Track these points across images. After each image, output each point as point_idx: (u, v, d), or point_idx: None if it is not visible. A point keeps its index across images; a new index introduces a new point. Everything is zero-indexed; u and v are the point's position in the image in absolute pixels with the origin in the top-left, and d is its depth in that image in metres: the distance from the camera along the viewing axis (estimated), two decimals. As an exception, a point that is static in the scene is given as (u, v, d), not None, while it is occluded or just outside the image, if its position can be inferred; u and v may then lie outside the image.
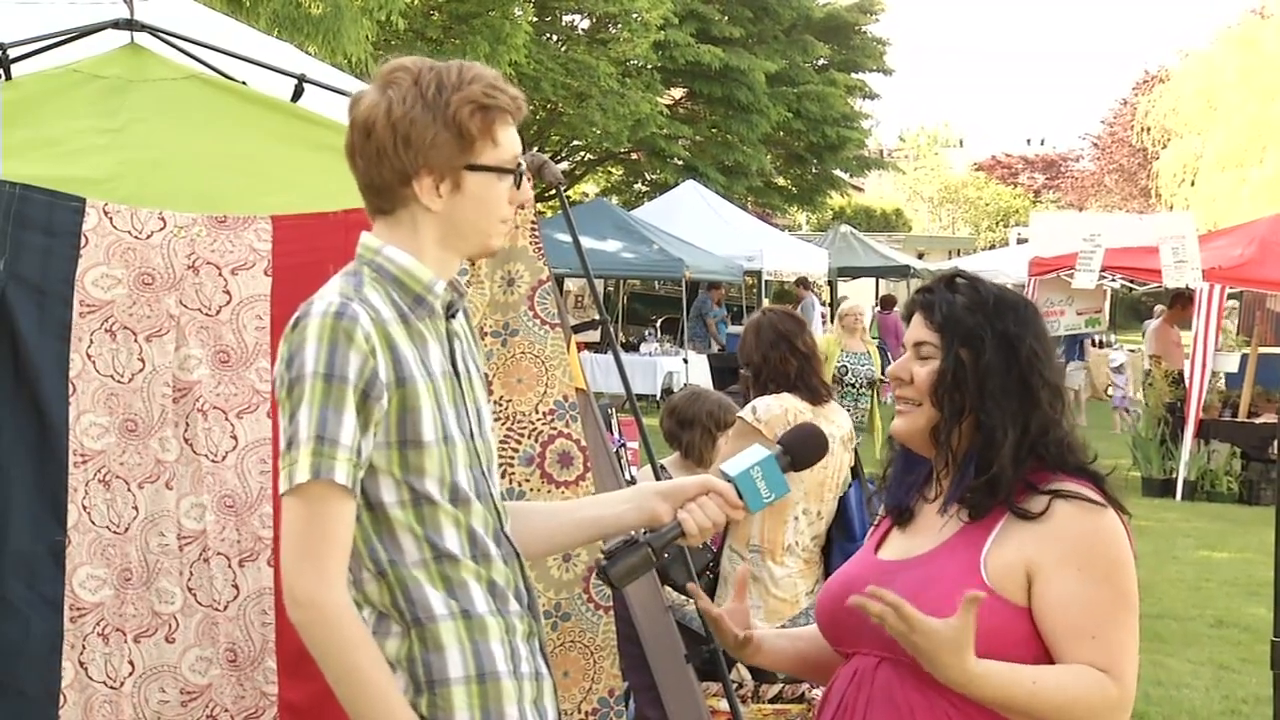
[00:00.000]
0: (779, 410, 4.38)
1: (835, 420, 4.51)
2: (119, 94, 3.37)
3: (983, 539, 2.20)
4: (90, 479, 3.08)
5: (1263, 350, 15.28)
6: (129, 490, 3.11)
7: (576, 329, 3.91)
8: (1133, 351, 23.33)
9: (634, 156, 29.32)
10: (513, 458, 3.37)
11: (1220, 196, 25.15)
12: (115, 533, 3.09)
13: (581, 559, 3.37)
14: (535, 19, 21.32)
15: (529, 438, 3.39)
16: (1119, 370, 19.86)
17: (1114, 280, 13.60)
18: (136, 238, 3.14)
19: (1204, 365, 12.54)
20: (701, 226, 20.62)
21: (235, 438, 3.16)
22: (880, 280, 27.73)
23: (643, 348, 19.34)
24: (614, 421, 7.70)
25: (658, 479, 3.75)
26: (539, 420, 3.39)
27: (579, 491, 3.35)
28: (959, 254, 35.69)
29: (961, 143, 63.16)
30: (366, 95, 2.13)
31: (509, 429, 3.37)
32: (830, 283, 24.80)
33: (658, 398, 16.77)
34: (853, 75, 31.77)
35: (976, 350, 2.24)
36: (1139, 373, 18.92)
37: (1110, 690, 2.12)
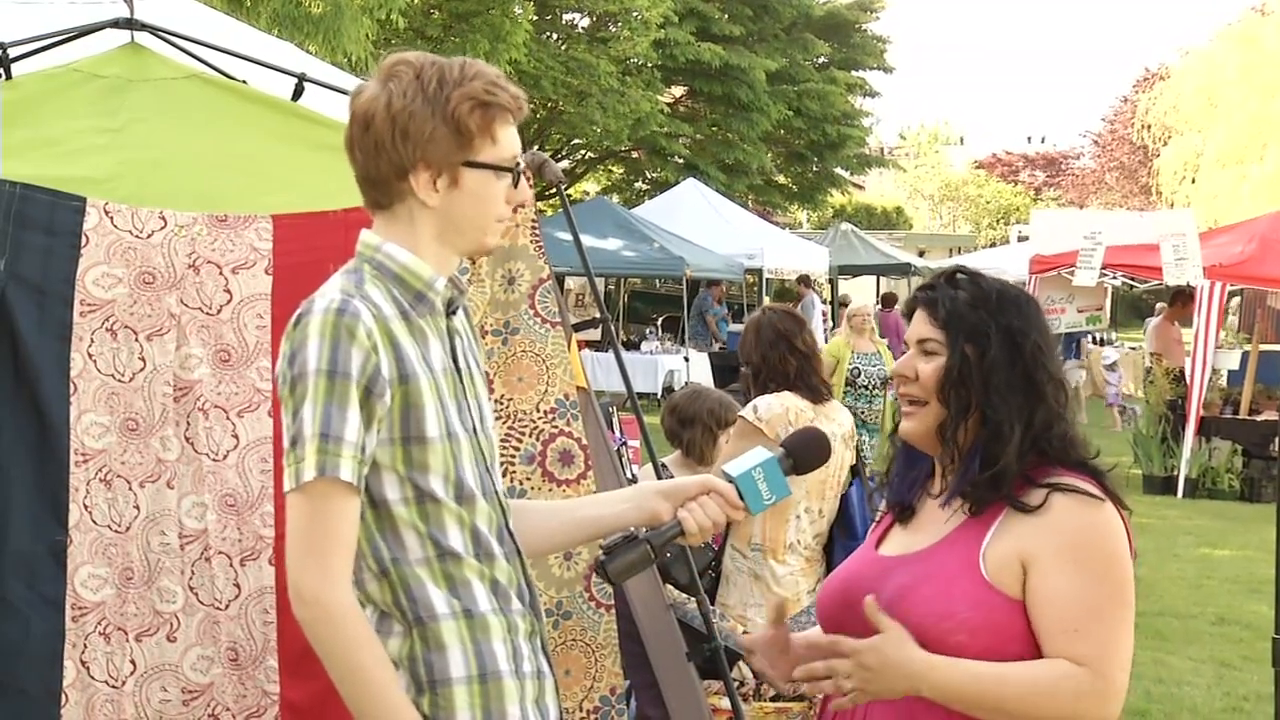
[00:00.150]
0: (780, 409, 4.37)
1: (836, 419, 4.51)
2: (119, 93, 3.37)
3: (982, 533, 2.20)
4: (91, 478, 3.08)
5: (1263, 348, 15.28)
6: (130, 489, 3.11)
7: (577, 327, 3.91)
8: (1134, 349, 23.35)
9: (634, 155, 29.31)
10: (514, 456, 3.37)
11: (1221, 194, 25.14)
12: (116, 532, 3.09)
13: (583, 557, 3.37)
14: (535, 17, 21.30)
15: (530, 436, 3.39)
16: (1112, 368, 19.88)
17: (1115, 278, 13.59)
18: (137, 237, 3.14)
19: (1205, 362, 12.55)
20: (702, 225, 20.62)
21: (236, 437, 3.16)
22: (881, 278, 27.72)
23: (644, 346, 19.33)
24: (615, 420, 7.70)
25: (659, 477, 3.75)
26: (540, 419, 3.39)
27: (580, 490, 3.35)
28: (960, 252, 35.67)
29: (962, 140, 63.15)
30: (367, 88, 2.13)
31: (510, 427, 3.37)
32: (831, 281, 24.77)
33: (659, 396, 16.77)
34: (853, 73, 31.76)
35: (981, 346, 2.24)
36: (1139, 370, 18.93)
37: (1084, 684, 2.10)
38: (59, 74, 3.37)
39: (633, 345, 19.52)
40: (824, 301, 23.07)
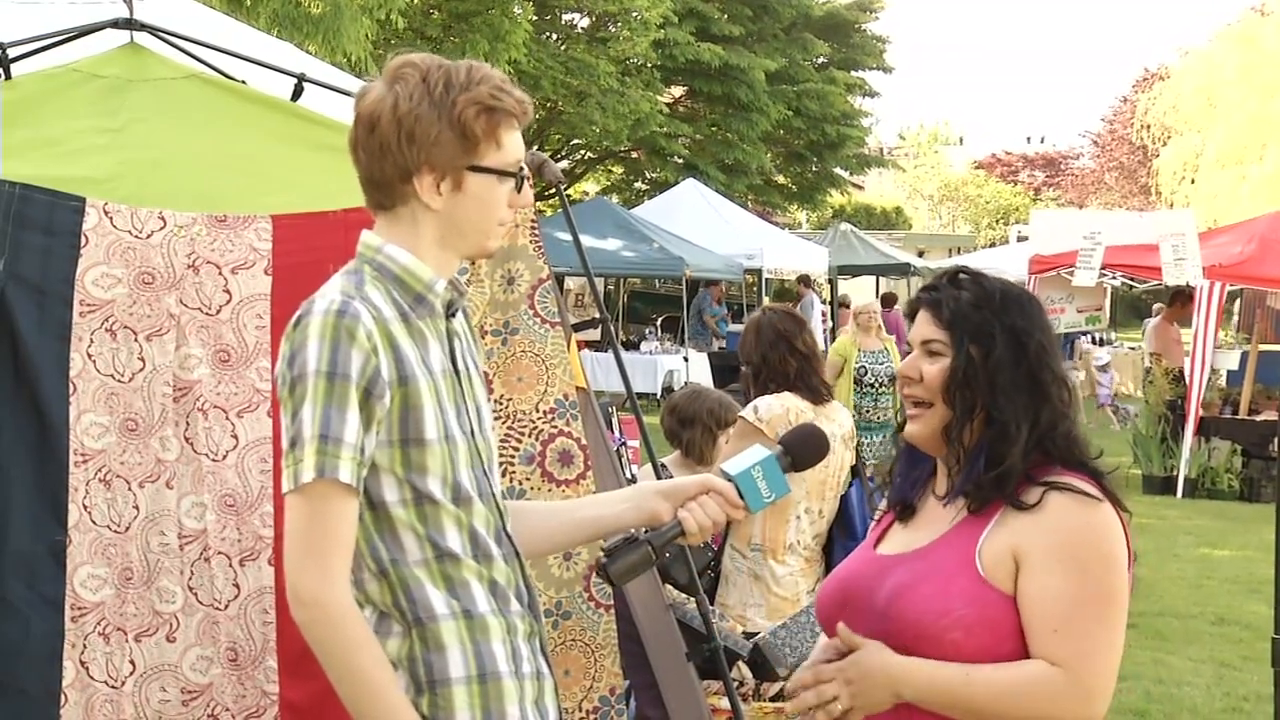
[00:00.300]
0: (780, 410, 4.37)
1: (836, 419, 4.51)
2: (119, 93, 3.37)
3: (979, 530, 2.21)
4: (91, 478, 3.08)
5: (1263, 348, 15.28)
6: (129, 489, 3.11)
7: (577, 327, 3.91)
8: (1133, 349, 23.36)
9: (634, 155, 29.31)
10: (513, 456, 3.37)
11: (1220, 194, 25.15)
12: (116, 532, 3.09)
13: (582, 558, 3.37)
14: (535, 17, 21.29)
15: (529, 436, 3.39)
16: (1104, 369, 19.89)
17: (1114, 278, 13.59)
18: (136, 237, 3.14)
19: (1204, 362, 12.55)
20: (702, 225, 20.61)
21: (236, 437, 3.16)
22: (880, 278, 27.71)
23: (643, 346, 19.34)
24: (614, 420, 7.70)
25: (658, 477, 3.75)
26: (539, 419, 3.39)
27: (579, 490, 3.35)
28: (959, 252, 35.67)
29: (962, 140, 63.14)
30: (373, 89, 2.12)
31: (509, 428, 3.37)
32: (830, 281, 24.77)
33: (658, 396, 16.77)
34: (853, 73, 31.76)
35: (986, 346, 2.24)
36: (1139, 370, 18.93)
37: (1058, 684, 2.10)
38: (59, 74, 3.37)
39: (632, 345, 19.53)
40: (823, 301, 23.06)
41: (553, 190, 4.93)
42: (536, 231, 3.46)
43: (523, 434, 3.38)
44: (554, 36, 24.90)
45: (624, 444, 7.24)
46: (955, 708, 2.14)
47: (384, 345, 2.04)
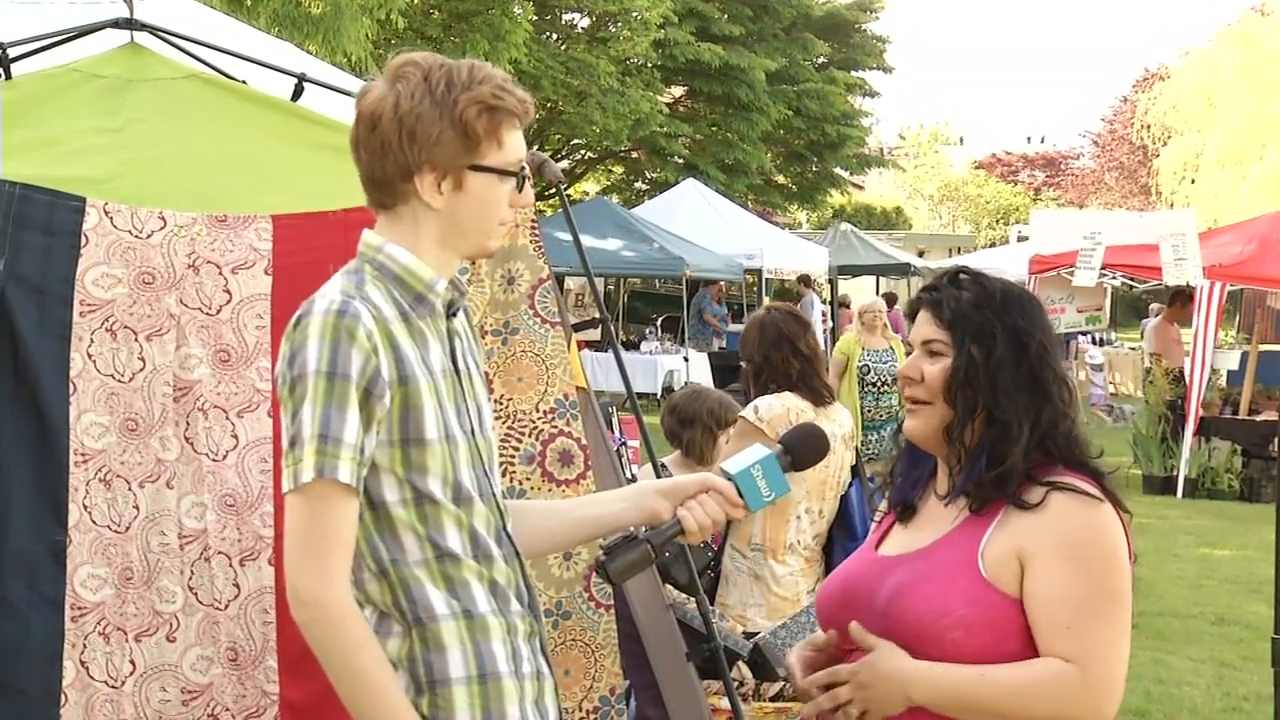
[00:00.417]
0: (781, 410, 4.37)
1: (837, 419, 4.51)
2: (119, 93, 3.36)
3: (981, 531, 2.21)
4: (91, 478, 3.08)
5: (1263, 348, 15.28)
6: (130, 489, 3.11)
7: (577, 327, 3.91)
8: (1133, 349, 23.36)
9: (634, 155, 29.30)
10: (513, 456, 3.37)
11: (1220, 194, 25.16)
12: (116, 532, 3.09)
13: (582, 557, 3.37)
14: (535, 17, 21.29)
15: (530, 436, 3.39)
16: (1098, 369, 19.91)
17: (1114, 278, 13.59)
18: (137, 237, 3.14)
19: (1204, 363, 12.55)
20: (702, 225, 20.61)
21: (236, 437, 3.16)
22: (880, 278, 27.71)
23: (643, 346, 19.34)
24: (615, 420, 7.70)
25: (659, 477, 3.75)
26: (539, 419, 3.39)
27: (580, 490, 3.35)
28: (959, 252, 35.67)
29: (962, 140, 63.14)
30: (374, 88, 2.12)
31: (510, 427, 3.37)
32: (831, 281, 24.77)
33: (658, 396, 16.77)
34: (853, 73, 31.75)
35: (987, 346, 2.24)
36: (1138, 370, 18.93)
37: (1072, 681, 2.10)
38: (59, 74, 3.37)
39: (632, 345, 19.53)
40: (823, 301, 23.05)
41: (553, 190, 4.93)
42: (536, 231, 3.46)
43: (523, 434, 3.38)
44: (554, 36, 24.89)
45: (624, 444, 7.24)
46: (968, 709, 2.13)
47: (384, 345, 2.04)
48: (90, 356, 3.10)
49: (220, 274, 3.17)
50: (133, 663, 3.09)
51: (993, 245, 38.60)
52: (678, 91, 29.10)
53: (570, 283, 21.66)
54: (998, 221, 51.01)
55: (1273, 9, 27.67)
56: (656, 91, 25.75)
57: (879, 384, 9.82)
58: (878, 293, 26.46)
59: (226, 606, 3.12)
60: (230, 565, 3.12)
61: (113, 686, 3.07)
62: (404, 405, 2.06)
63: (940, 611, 2.14)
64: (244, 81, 3.59)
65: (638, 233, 19.04)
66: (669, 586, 3.94)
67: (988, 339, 2.24)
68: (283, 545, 2.04)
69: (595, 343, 15.25)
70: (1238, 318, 25.08)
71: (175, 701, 3.10)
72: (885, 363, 9.88)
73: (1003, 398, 2.23)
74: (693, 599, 3.94)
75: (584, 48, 23.70)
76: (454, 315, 2.21)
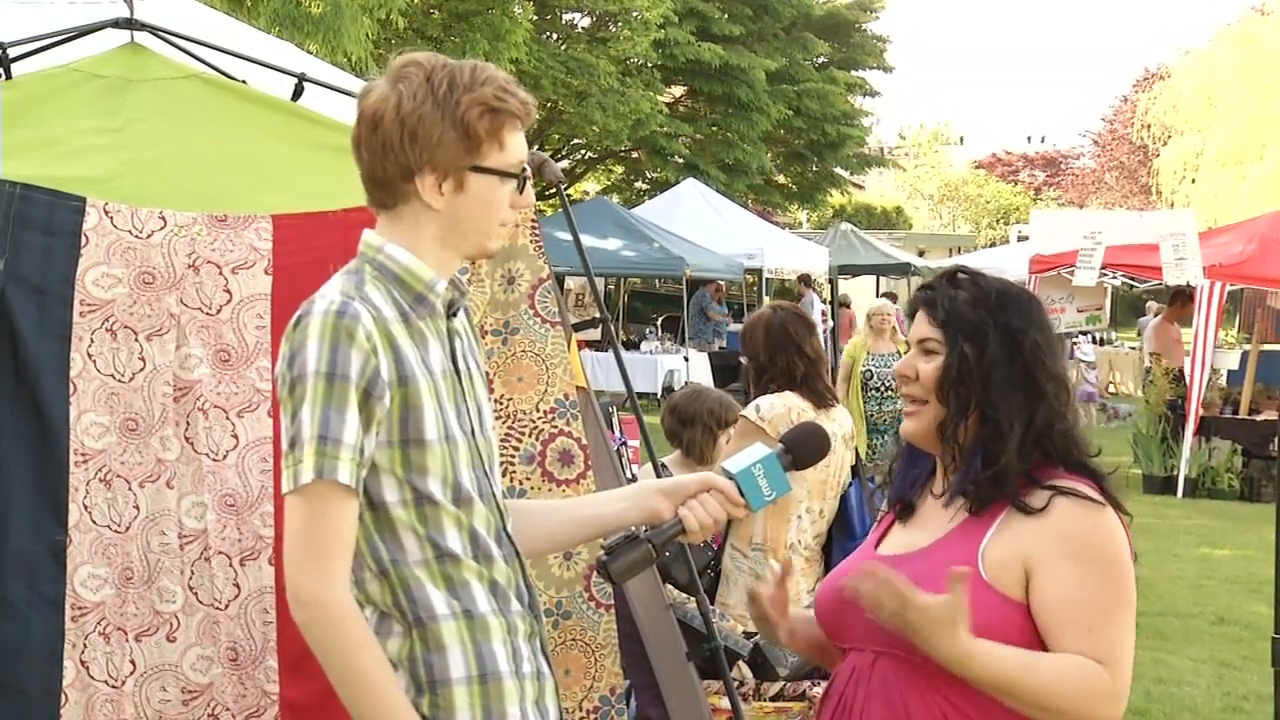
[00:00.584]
0: (783, 409, 4.38)
1: (837, 419, 4.51)
2: (119, 93, 3.36)
3: (982, 533, 2.21)
4: (91, 478, 3.08)
5: (1263, 348, 15.28)
6: (130, 489, 3.11)
7: (577, 327, 3.91)
8: (1134, 349, 23.36)
9: (634, 155, 29.30)
10: (513, 456, 3.37)
11: (1221, 194, 25.16)
12: (116, 532, 3.09)
13: (583, 557, 3.37)
14: (535, 17, 21.30)
15: (530, 436, 3.39)
16: (1091, 366, 19.93)
17: (1115, 277, 13.59)
18: (137, 237, 3.14)
19: (1204, 362, 12.55)
20: (702, 225, 20.61)
21: (236, 437, 3.16)
22: (881, 278, 27.71)
23: (643, 346, 19.34)
24: (615, 420, 7.70)
25: (659, 477, 3.75)
26: (540, 419, 3.39)
27: (580, 490, 3.35)
28: (959, 252, 35.66)
29: (962, 140, 63.12)
30: (376, 88, 2.12)
31: (510, 427, 3.37)
32: (831, 281, 24.76)
33: (659, 396, 16.77)
34: (853, 73, 31.75)
35: (980, 345, 2.25)
36: (1138, 370, 18.93)
37: (1105, 683, 2.11)
38: (59, 74, 3.37)
39: (633, 345, 19.53)
40: (823, 301, 23.05)
41: (553, 190, 4.93)
42: (537, 231, 3.46)
43: (523, 434, 3.38)
44: (554, 36, 24.90)
45: (624, 444, 7.24)
46: (1010, 693, 2.11)
47: (384, 346, 2.04)
48: (90, 356, 3.10)
49: (220, 274, 3.17)
50: (133, 662, 3.09)
51: (993, 245, 38.61)
52: (678, 91, 29.10)
53: (570, 283, 21.65)
54: (998, 221, 51.01)
55: (1273, 9, 27.67)
56: (656, 91, 25.75)
57: (882, 389, 9.80)
58: (878, 292, 26.46)
59: (227, 606, 3.12)
60: (230, 565, 3.12)
61: (113, 686, 3.07)
62: (404, 406, 2.06)
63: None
64: (244, 81, 3.59)
65: (638, 233, 19.04)
66: (669, 586, 3.94)
67: (981, 337, 2.25)
68: (283, 545, 2.04)
69: (595, 343, 15.25)
70: (1238, 318, 25.08)
71: (175, 701, 3.10)
72: (889, 367, 9.85)
73: (995, 396, 2.23)
74: (693, 599, 3.94)
75: (584, 48, 23.70)
76: (454, 315, 2.21)
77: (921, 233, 46.01)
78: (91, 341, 3.10)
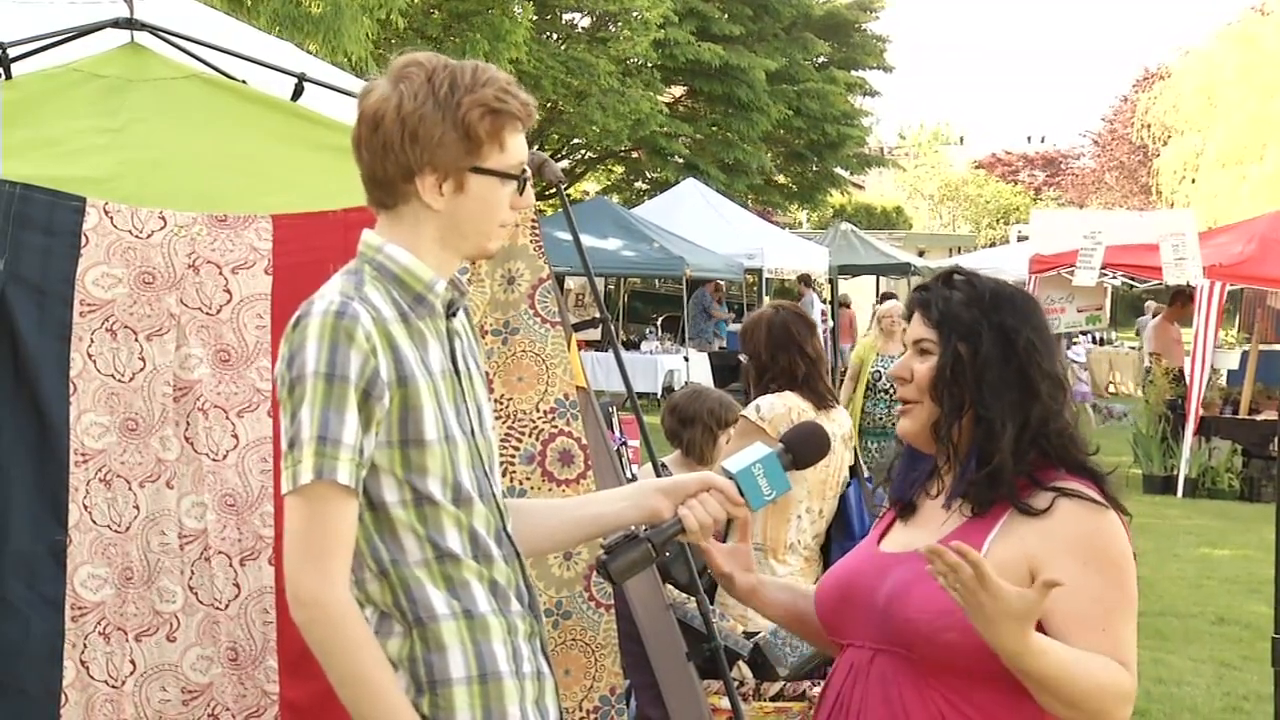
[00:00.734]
0: (783, 409, 4.38)
1: (836, 419, 4.51)
2: (119, 93, 3.36)
3: (984, 534, 2.21)
4: (91, 478, 3.08)
5: (1263, 347, 15.29)
6: (130, 489, 3.11)
7: (577, 327, 3.91)
8: (1133, 349, 23.37)
9: (634, 154, 29.30)
10: (513, 456, 3.37)
11: (1221, 194, 25.16)
12: (116, 532, 3.09)
13: (583, 557, 3.37)
14: (535, 17, 21.30)
15: (530, 436, 3.39)
16: (1084, 368, 19.95)
17: (1115, 277, 13.59)
18: (137, 237, 3.14)
19: (1204, 362, 12.56)
20: (702, 224, 20.61)
21: (236, 436, 3.16)
22: (881, 278, 27.71)
23: (643, 346, 19.34)
24: (615, 420, 7.70)
25: (659, 477, 3.75)
26: (540, 418, 3.39)
27: (580, 490, 3.35)
28: (959, 252, 35.66)
29: (962, 140, 63.12)
30: (377, 88, 2.12)
31: (510, 427, 3.37)
32: (831, 280, 24.77)
33: (659, 396, 16.77)
34: (853, 73, 31.75)
35: (974, 344, 2.25)
36: (1139, 370, 18.93)
37: (1129, 680, 2.13)
38: (59, 74, 3.37)
39: (633, 345, 19.53)
40: (823, 301, 23.06)
41: (553, 190, 4.93)
42: (537, 231, 3.46)
43: (523, 434, 3.39)
44: (554, 36, 24.90)
45: (624, 444, 7.24)
46: (1051, 688, 2.08)
47: (383, 346, 2.04)
48: (90, 356, 3.10)
49: (220, 274, 3.17)
50: (133, 662, 3.09)
51: (993, 245, 38.61)
52: (678, 91, 29.10)
53: (570, 283, 21.65)
54: (998, 221, 51.02)
55: (1273, 9, 27.67)
56: (656, 91, 25.75)
57: (891, 390, 9.78)
58: (878, 292, 26.45)
59: (227, 606, 3.12)
60: (230, 565, 3.12)
61: (113, 686, 3.07)
62: (403, 406, 2.06)
63: (940, 612, 2.14)
64: (244, 81, 3.59)
65: (638, 232, 19.03)
66: (669, 586, 3.94)
67: (975, 337, 2.25)
68: (283, 545, 2.04)
69: (595, 343, 15.25)
70: (1238, 317, 25.09)
71: (175, 701, 3.10)
72: None
73: (988, 395, 2.23)
74: (693, 599, 3.94)
75: (584, 48, 23.70)
76: (454, 315, 2.21)
77: (921, 233, 46.02)
78: (91, 341, 3.10)
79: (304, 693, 3.06)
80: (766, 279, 21.48)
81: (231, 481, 3.14)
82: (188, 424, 3.14)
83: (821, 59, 31.24)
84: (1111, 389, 22.46)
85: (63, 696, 3.03)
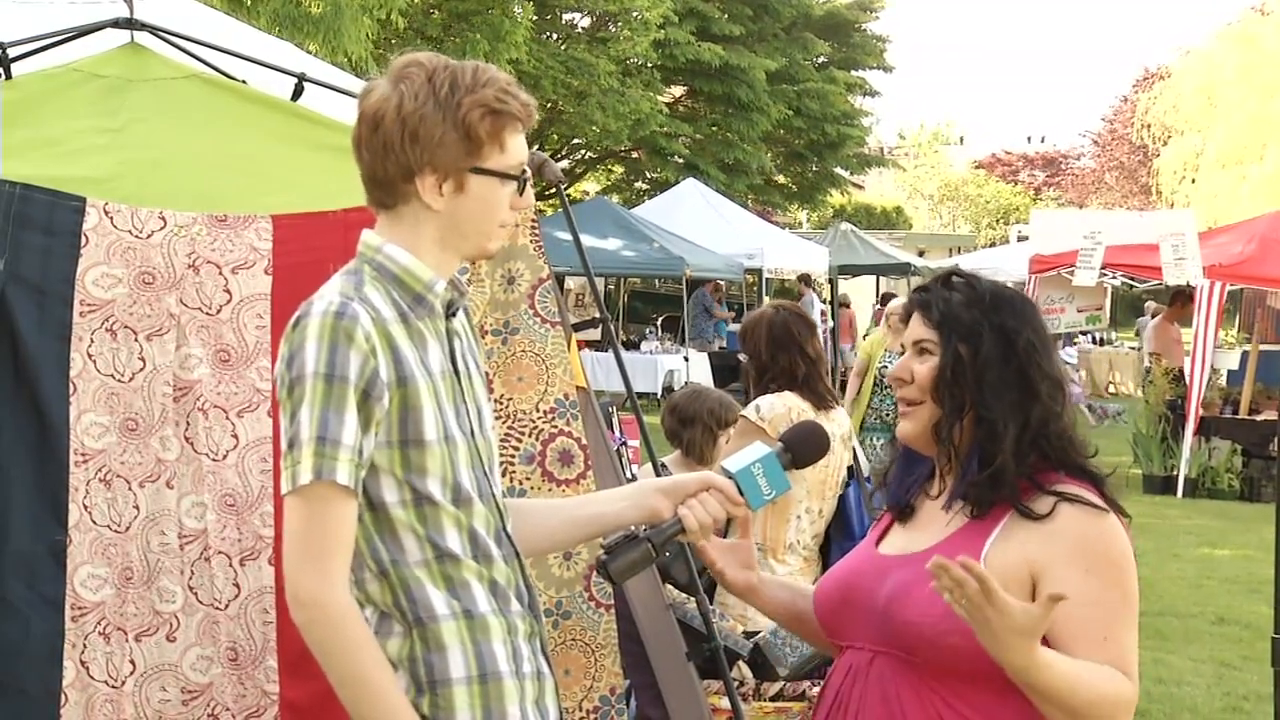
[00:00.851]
0: (783, 409, 4.38)
1: (835, 419, 4.51)
2: (119, 93, 3.37)
3: (984, 537, 2.20)
4: (91, 478, 3.08)
5: (1263, 347, 15.28)
6: (130, 489, 3.11)
7: (577, 327, 3.91)
8: (1133, 349, 23.37)
9: (634, 155, 29.30)
10: (513, 456, 3.37)
11: (1221, 194, 25.15)
12: (116, 532, 3.09)
13: (582, 557, 3.37)
14: (535, 17, 21.30)
15: (530, 436, 3.39)
16: (1076, 369, 19.97)
17: (1114, 278, 13.59)
18: (137, 237, 3.14)
19: (1204, 362, 12.55)
20: (702, 224, 20.60)
21: (236, 436, 3.16)
22: (881, 278, 27.72)
23: (643, 346, 19.34)
24: (615, 420, 7.70)
25: (659, 477, 3.75)
26: (540, 419, 3.39)
27: (580, 490, 3.35)
28: (959, 252, 35.66)
29: (962, 140, 63.08)
30: (377, 88, 2.12)
31: (510, 427, 3.37)
32: (831, 280, 24.79)
33: (658, 396, 16.77)
34: (853, 73, 31.75)
35: (974, 345, 2.25)
36: (1139, 370, 18.93)
37: (1130, 689, 2.13)
38: (59, 74, 3.37)
39: (633, 345, 19.53)
40: (823, 301, 23.06)
41: (553, 190, 4.93)
42: (537, 231, 3.46)
43: (523, 434, 3.39)
44: (554, 36, 24.90)
45: (624, 444, 7.24)
46: (1056, 701, 2.08)
47: (382, 346, 2.04)
48: (90, 356, 3.10)
49: (220, 274, 3.17)
50: (133, 662, 3.09)
51: (993, 245, 38.61)
52: (678, 91, 29.09)
53: (570, 283, 21.65)
54: (998, 221, 51.01)
55: (1273, 9, 27.66)
56: (656, 91, 25.75)
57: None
58: (878, 292, 26.46)
59: (226, 606, 3.12)
60: (230, 565, 3.13)
61: (113, 686, 3.07)
62: (403, 406, 2.06)
63: (940, 615, 2.13)
64: (244, 81, 3.59)
65: (638, 233, 19.03)
66: (669, 586, 3.94)
67: (975, 338, 2.25)
68: (282, 546, 2.04)
69: (595, 343, 15.24)
70: (1238, 318, 25.09)
71: (175, 701, 3.10)
72: None
73: (989, 396, 2.23)
74: (693, 599, 3.94)
75: (584, 48, 23.69)
76: (453, 315, 2.21)
77: (921, 233, 46.02)
78: (91, 341, 3.10)
79: (304, 693, 3.06)
80: (766, 279, 21.48)
81: (231, 481, 3.14)
82: (188, 424, 3.14)
83: (821, 59, 31.24)
84: (1111, 389, 22.48)
85: (63, 696, 3.03)
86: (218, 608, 3.12)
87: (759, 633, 4.05)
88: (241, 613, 3.12)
